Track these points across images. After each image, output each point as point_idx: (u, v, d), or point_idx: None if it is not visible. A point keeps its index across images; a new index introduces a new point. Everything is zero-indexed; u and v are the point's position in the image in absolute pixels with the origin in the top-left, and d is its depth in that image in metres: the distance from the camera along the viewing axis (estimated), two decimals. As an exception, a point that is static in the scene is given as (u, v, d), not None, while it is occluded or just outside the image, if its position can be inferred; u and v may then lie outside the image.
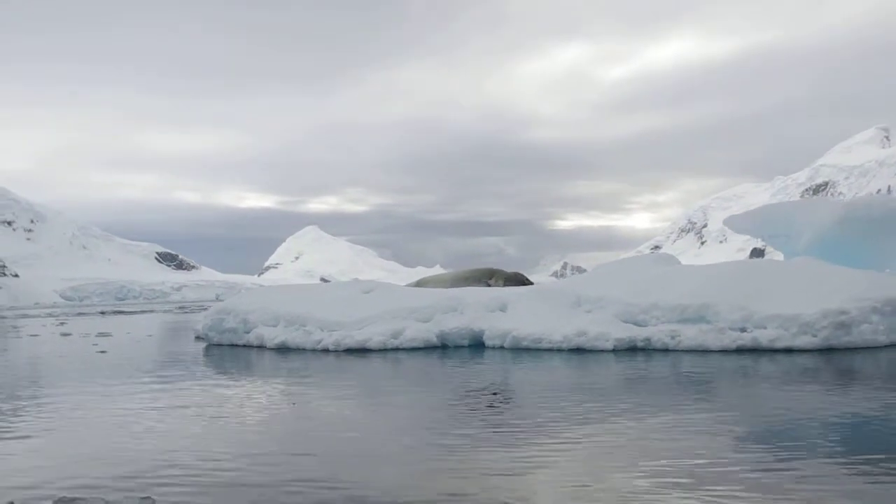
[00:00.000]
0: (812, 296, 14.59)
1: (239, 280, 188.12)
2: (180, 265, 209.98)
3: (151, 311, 61.96)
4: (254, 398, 10.25)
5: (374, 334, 17.15)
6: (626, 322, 15.61)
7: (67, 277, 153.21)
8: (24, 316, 57.95)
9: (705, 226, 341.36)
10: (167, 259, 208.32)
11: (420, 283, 24.46)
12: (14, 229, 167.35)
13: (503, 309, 17.97)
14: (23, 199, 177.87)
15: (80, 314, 57.38)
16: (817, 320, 13.92)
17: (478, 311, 17.81)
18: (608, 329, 15.33)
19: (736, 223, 20.74)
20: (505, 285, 21.56)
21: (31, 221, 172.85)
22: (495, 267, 24.19)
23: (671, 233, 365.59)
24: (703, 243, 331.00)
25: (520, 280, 23.29)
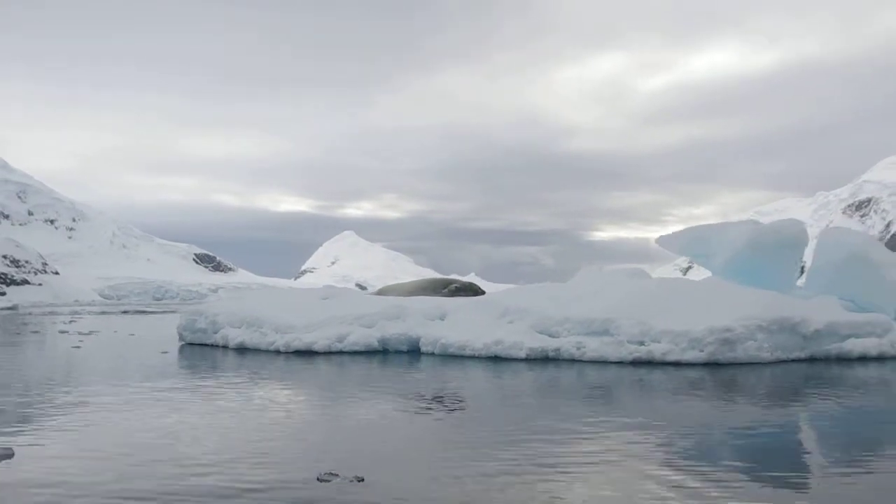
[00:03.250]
0: (707, 314, 15.65)
1: (275, 283, 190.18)
2: (217, 267, 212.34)
3: (173, 312, 63.80)
4: (152, 398, 11.68)
5: (320, 338, 18.49)
6: (541, 333, 16.79)
7: (107, 276, 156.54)
8: (52, 313, 60.34)
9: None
10: (205, 260, 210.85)
11: (382, 292, 25.85)
12: (56, 227, 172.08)
13: (443, 318, 19.25)
14: (66, 197, 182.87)
15: (102, 313, 59.57)
16: (704, 336, 15.01)
17: (418, 319, 19.11)
18: (523, 339, 16.52)
19: (665, 242, 21.81)
20: (453, 295, 22.87)
21: (73, 220, 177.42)
22: (461, 280, 25.45)
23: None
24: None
25: (474, 290, 24.60)
